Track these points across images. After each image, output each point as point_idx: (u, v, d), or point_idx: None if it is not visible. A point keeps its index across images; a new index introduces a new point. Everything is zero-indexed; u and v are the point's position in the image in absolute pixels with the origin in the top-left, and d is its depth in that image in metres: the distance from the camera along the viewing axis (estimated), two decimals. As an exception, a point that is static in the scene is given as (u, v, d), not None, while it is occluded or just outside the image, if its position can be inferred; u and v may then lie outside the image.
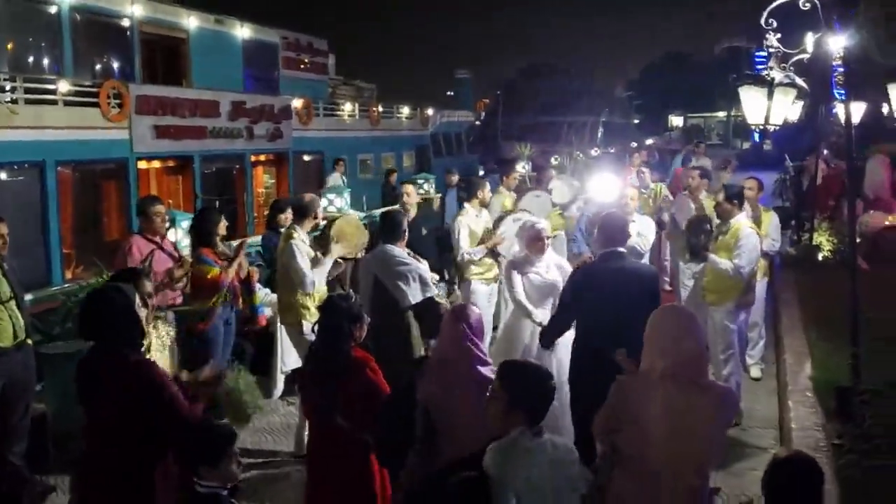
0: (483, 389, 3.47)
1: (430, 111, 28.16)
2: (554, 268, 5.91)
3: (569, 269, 5.85)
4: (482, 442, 3.15)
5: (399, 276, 5.20)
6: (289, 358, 6.96)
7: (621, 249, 4.89)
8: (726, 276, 6.16)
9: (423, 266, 5.46)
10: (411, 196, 8.39)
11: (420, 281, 5.21)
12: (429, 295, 5.24)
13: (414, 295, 5.18)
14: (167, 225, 7.90)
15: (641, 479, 3.21)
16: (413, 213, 8.11)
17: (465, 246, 7.41)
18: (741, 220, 6.30)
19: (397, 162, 24.23)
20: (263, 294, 7.71)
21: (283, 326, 7.00)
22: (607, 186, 7.87)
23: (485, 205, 7.99)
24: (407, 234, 5.58)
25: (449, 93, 41.24)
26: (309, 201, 6.42)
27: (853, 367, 5.58)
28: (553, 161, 20.80)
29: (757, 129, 6.47)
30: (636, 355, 4.38)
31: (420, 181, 17.29)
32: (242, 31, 18.19)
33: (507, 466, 3.00)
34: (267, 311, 7.39)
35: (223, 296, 6.28)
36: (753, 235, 6.23)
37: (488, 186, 8.19)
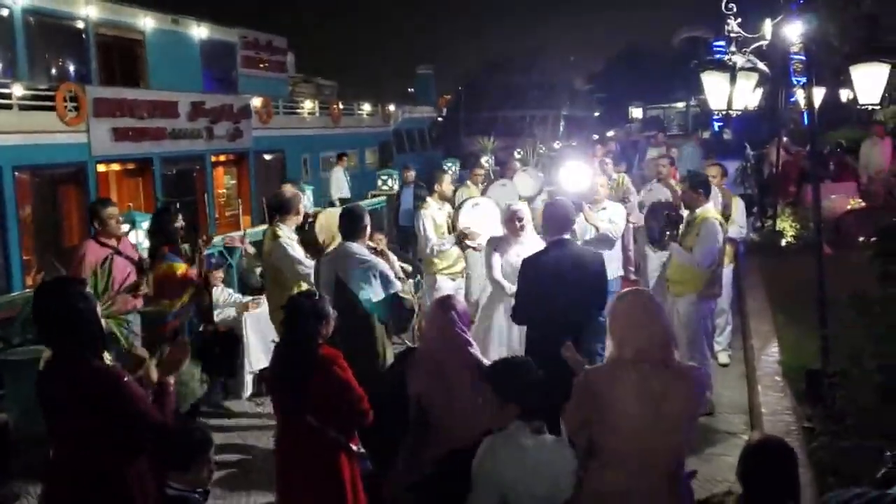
0: (476, 374, 3.45)
1: (391, 107, 28.05)
2: (536, 247, 5.98)
3: None
4: (477, 433, 3.12)
5: (360, 275, 5.10)
6: (255, 358, 6.89)
7: (566, 237, 5.09)
8: (689, 266, 6.15)
9: (385, 263, 5.35)
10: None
11: (381, 278, 5.12)
12: (391, 292, 5.15)
13: (376, 292, 5.09)
14: (126, 227, 7.77)
15: (618, 468, 3.14)
16: None
17: (434, 238, 7.37)
18: (707, 210, 6.27)
19: (360, 158, 24.13)
20: (227, 295, 7.60)
21: (248, 327, 6.93)
22: (576, 176, 7.87)
23: (445, 197, 7.91)
24: (368, 229, 5.47)
25: (410, 89, 41.09)
26: (291, 196, 6.33)
27: (822, 350, 5.64)
28: (516, 155, 20.82)
29: (719, 114, 6.55)
30: (586, 340, 4.41)
31: (384, 177, 17.26)
32: (200, 31, 17.90)
33: (498, 460, 2.97)
34: (230, 312, 7.29)
35: (189, 292, 6.14)
36: (714, 226, 6.10)
37: (447, 179, 8.13)
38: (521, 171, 10.52)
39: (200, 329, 6.56)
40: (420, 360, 3.92)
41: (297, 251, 5.91)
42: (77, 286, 3.46)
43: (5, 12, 13.04)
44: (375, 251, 5.44)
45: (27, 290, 9.97)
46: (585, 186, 7.65)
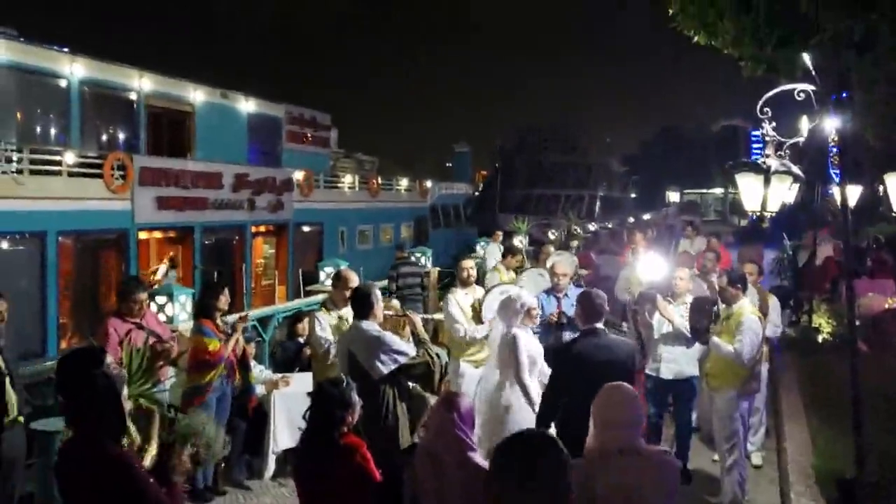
0: (473, 477, 3.41)
1: (428, 183, 28.48)
2: (534, 340, 6.00)
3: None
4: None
5: (371, 351, 5.14)
6: (281, 438, 6.86)
7: (599, 326, 5.12)
8: (729, 361, 6.09)
9: (394, 335, 5.39)
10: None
11: (392, 352, 5.15)
12: (402, 363, 5.17)
13: (387, 365, 5.11)
14: (163, 300, 7.92)
15: None
16: None
17: (464, 322, 7.30)
18: (744, 305, 6.25)
19: (395, 233, 24.40)
20: (258, 371, 7.64)
21: (276, 405, 6.93)
22: (654, 266, 7.84)
23: (467, 284, 7.80)
24: (377, 305, 5.49)
25: (448, 164, 41.77)
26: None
27: (857, 459, 5.48)
28: (550, 235, 20.89)
29: (754, 215, 6.53)
30: None
31: (418, 254, 17.40)
32: (247, 105, 18.56)
33: None
34: (260, 390, 7.29)
35: (221, 370, 6.21)
36: (755, 322, 6.13)
37: (472, 267, 8.05)
38: (556, 254, 10.48)
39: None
40: (420, 456, 3.90)
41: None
42: (100, 360, 3.44)
43: (63, 83, 13.69)
44: (396, 316, 5.51)
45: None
46: (662, 277, 7.55)
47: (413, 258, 15.68)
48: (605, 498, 3.21)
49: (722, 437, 6.13)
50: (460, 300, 7.49)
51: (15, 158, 11.69)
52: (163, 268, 14.99)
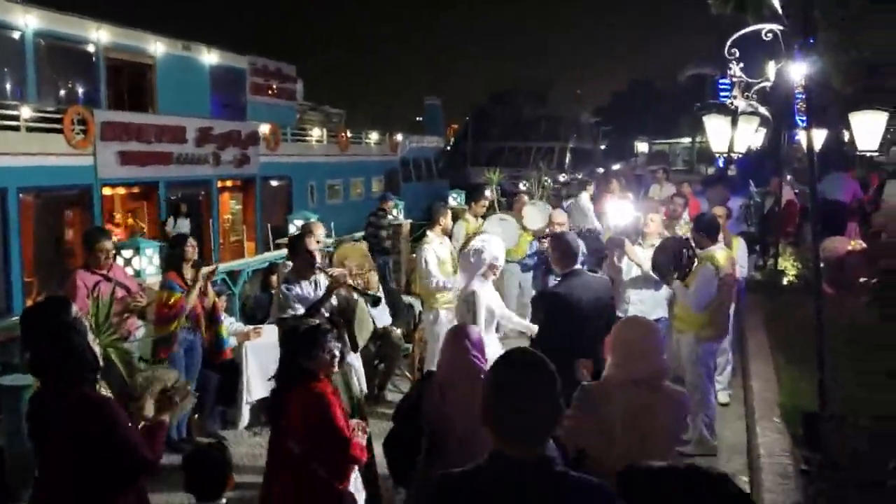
0: None
1: (399, 137, 28.24)
2: (493, 292, 6.02)
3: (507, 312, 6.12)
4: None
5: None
6: (254, 388, 6.87)
7: (578, 267, 5.27)
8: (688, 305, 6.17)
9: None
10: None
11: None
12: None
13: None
14: (130, 253, 7.81)
15: (604, 478, 3.26)
16: None
17: (438, 274, 7.32)
18: (712, 252, 6.26)
19: (366, 187, 24.25)
20: (229, 323, 7.60)
21: (248, 356, 6.93)
22: (622, 211, 7.89)
23: (446, 232, 7.90)
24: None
25: (418, 119, 41.40)
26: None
27: (819, 393, 5.62)
28: (522, 186, 20.87)
29: (721, 157, 6.58)
30: (600, 364, 4.53)
31: (391, 206, 17.27)
32: (210, 57, 18.12)
33: None
34: (232, 342, 7.27)
35: (182, 321, 6.19)
36: (708, 269, 6.11)
37: (449, 213, 8.11)
38: (530, 204, 10.49)
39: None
40: (434, 386, 4.00)
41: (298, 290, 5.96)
42: (65, 308, 3.40)
43: (16, 34, 13.23)
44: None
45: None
46: (629, 221, 7.59)
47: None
48: (618, 419, 3.32)
49: (687, 379, 6.23)
50: (436, 249, 7.51)
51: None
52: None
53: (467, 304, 5.87)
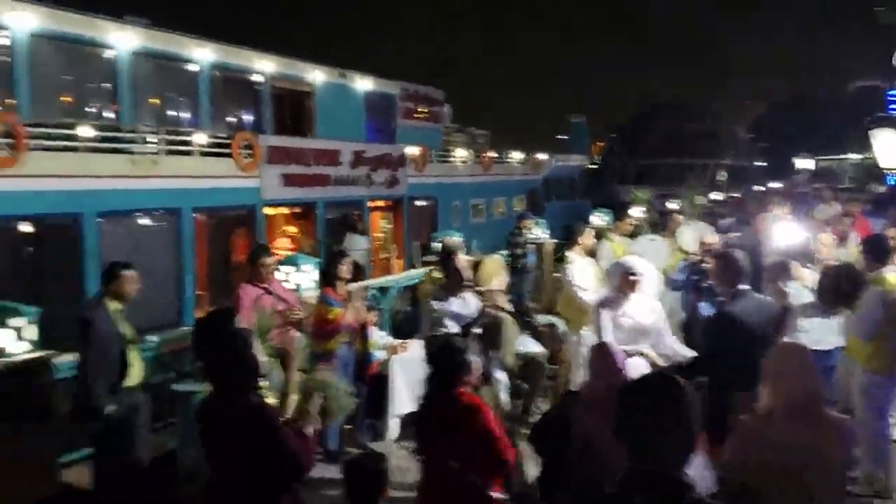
0: None
1: (542, 156, 28.22)
2: (647, 309, 5.81)
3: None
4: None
5: None
6: (401, 401, 7.06)
7: (745, 287, 5.07)
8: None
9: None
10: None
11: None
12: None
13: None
14: (291, 269, 8.28)
15: None
16: None
17: (581, 293, 7.24)
18: (880, 275, 5.84)
19: (508, 206, 24.40)
20: (378, 337, 7.87)
21: (396, 370, 7.14)
22: (790, 233, 7.56)
23: (589, 252, 7.79)
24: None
25: (562, 136, 41.14)
26: (454, 244, 6.74)
27: None
28: (673, 206, 20.27)
29: (891, 173, 6.08)
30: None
31: (532, 225, 17.27)
32: (364, 84, 18.96)
33: None
34: (381, 355, 7.52)
35: (342, 336, 6.46)
36: (873, 295, 5.72)
37: (590, 232, 8.01)
38: (684, 224, 10.15)
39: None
40: (585, 404, 4.01)
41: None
42: (231, 320, 3.66)
43: (193, 67, 14.42)
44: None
45: (199, 323, 10.76)
46: (797, 242, 7.25)
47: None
48: (778, 454, 3.18)
49: (857, 413, 5.82)
50: (579, 269, 7.46)
51: (153, 140, 12.43)
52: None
53: (596, 317, 5.82)
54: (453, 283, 6.00)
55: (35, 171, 10.26)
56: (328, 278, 6.80)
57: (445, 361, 3.99)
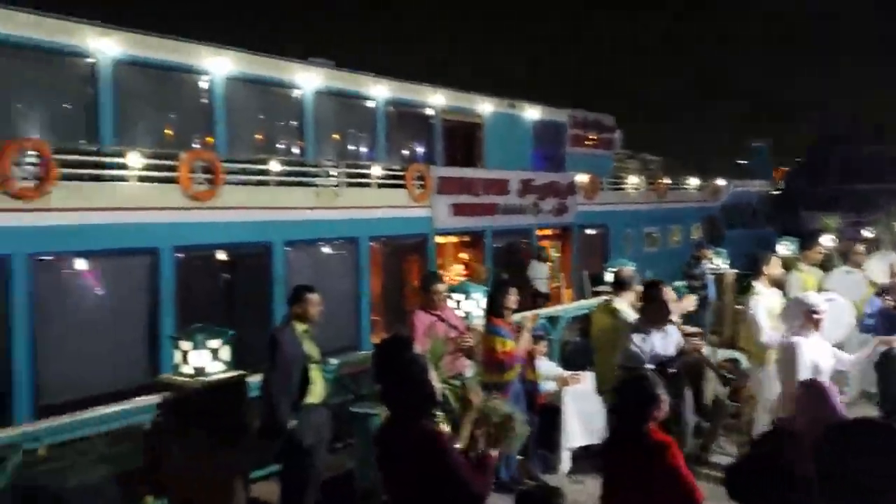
0: None
1: (720, 181, 27.01)
2: (827, 352, 5.33)
3: (845, 357, 5.42)
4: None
5: None
6: (573, 434, 6.90)
7: None
8: None
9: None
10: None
11: None
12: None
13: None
14: (462, 297, 8.37)
15: None
16: None
17: (768, 328, 6.78)
18: None
19: (684, 234, 23.49)
20: (549, 367, 7.76)
21: (567, 401, 7.00)
22: None
23: (776, 283, 7.28)
24: None
25: (742, 162, 39.19)
26: (631, 274, 6.59)
27: None
28: (866, 234, 18.69)
29: None
30: None
31: (711, 254, 16.47)
32: (532, 113, 19.06)
33: None
34: (551, 386, 7.40)
35: (518, 368, 6.42)
36: None
37: (777, 262, 7.48)
38: (875, 255, 9.31)
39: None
40: (793, 439, 3.74)
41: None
42: (408, 346, 3.73)
43: (371, 104, 15.14)
44: None
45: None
46: None
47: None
48: None
49: None
50: (767, 302, 7.00)
51: (334, 173, 13.14)
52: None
53: (786, 356, 5.38)
54: (658, 315, 5.75)
55: (230, 204, 11.14)
56: (495, 308, 6.78)
57: (635, 396, 3.84)
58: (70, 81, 10.87)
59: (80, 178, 9.76)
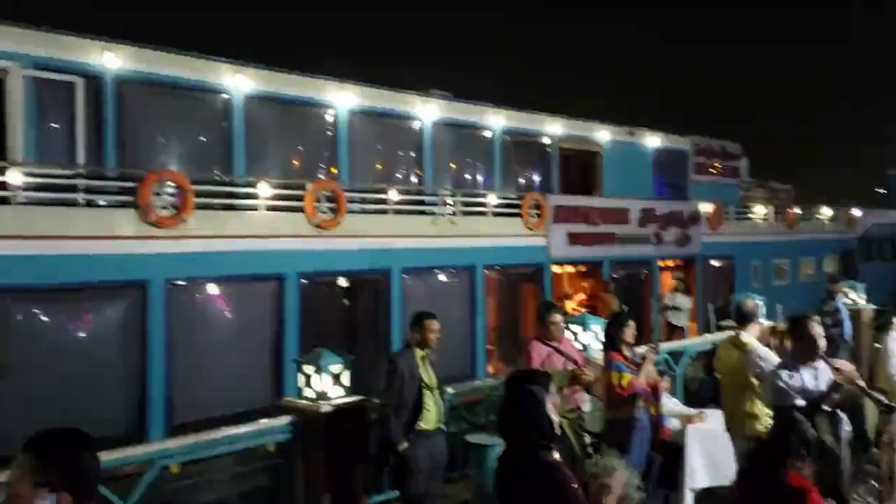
0: None
1: (856, 212, 25.47)
2: None
3: None
4: None
5: None
6: (698, 475, 6.59)
7: None
8: None
9: None
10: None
11: None
12: None
13: None
14: (579, 329, 8.22)
15: None
16: None
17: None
18: None
19: (817, 267, 22.25)
20: (672, 404, 7.49)
21: (691, 440, 6.71)
22: None
23: None
24: None
25: (881, 190, 36.82)
26: (755, 306, 6.39)
27: None
28: None
29: None
30: None
31: (846, 289, 15.54)
32: (653, 140, 18.66)
33: None
34: (674, 423, 7.13)
35: (639, 402, 6.23)
36: None
37: None
38: None
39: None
40: None
41: (773, 357, 5.77)
42: (530, 378, 3.68)
43: (488, 133, 15.26)
44: None
45: (489, 378, 11.13)
46: None
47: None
48: None
49: None
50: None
51: (451, 202, 13.29)
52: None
53: None
54: (806, 351, 5.48)
55: (351, 232, 11.45)
56: (613, 342, 6.61)
57: (783, 436, 3.63)
58: (206, 116, 11.54)
59: (214, 206, 10.29)
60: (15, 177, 8.65)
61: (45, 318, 8.93)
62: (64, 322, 9.15)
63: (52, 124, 9.95)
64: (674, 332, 15.50)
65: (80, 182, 9.33)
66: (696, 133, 20.42)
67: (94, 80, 10.02)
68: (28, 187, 8.83)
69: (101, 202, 9.54)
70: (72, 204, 9.16)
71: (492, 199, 14.07)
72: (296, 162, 12.88)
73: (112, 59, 10.06)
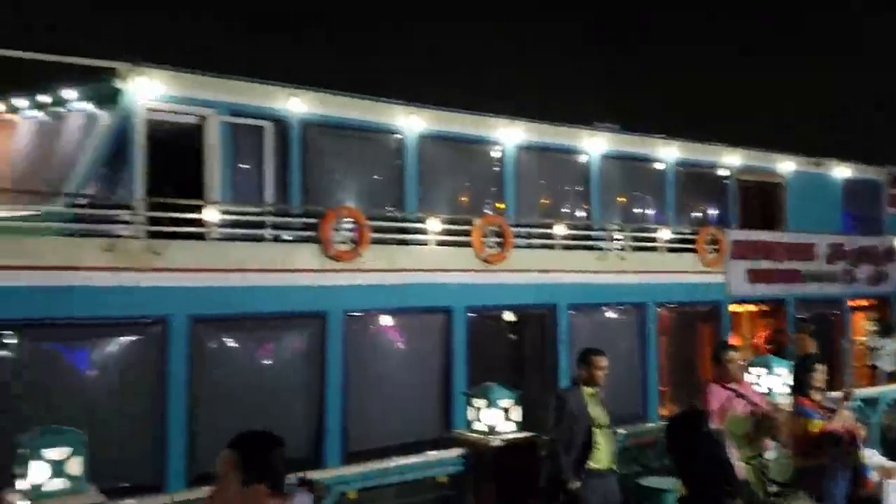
0: None
1: None
2: None
3: None
4: None
5: None
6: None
7: None
8: None
9: None
10: None
11: None
12: None
13: None
14: (762, 371, 7.74)
15: None
16: None
17: None
18: None
19: None
20: (869, 454, 6.85)
21: (890, 495, 6.12)
22: None
23: None
24: None
25: None
26: None
27: None
28: None
29: None
30: None
31: None
32: (842, 171, 17.39)
33: None
34: (873, 475, 6.50)
35: (835, 450, 5.75)
36: None
37: None
38: None
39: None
40: None
41: None
42: (705, 421, 3.53)
43: (660, 166, 14.81)
44: None
45: (662, 421, 10.68)
46: None
47: None
48: None
49: None
50: None
51: (619, 236, 13.01)
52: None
53: None
54: None
55: (517, 266, 11.48)
56: (802, 387, 6.17)
57: None
58: (381, 155, 12.03)
59: (387, 241, 10.68)
60: (212, 214, 9.41)
61: (234, 346, 9.59)
62: (252, 350, 9.78)
63: (243, 165, 10.75)
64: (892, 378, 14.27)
65: (268, 219, 10.01)
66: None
67: (280, 124, 10.74)
68: (223, 224, 9.58)
69: (287, 237, 10.18)
70: (260, 239, 9.84)
71: (664, 233, 13.63)
72: (464, 198, 13.12)
73: (297, 104, 10.75)
